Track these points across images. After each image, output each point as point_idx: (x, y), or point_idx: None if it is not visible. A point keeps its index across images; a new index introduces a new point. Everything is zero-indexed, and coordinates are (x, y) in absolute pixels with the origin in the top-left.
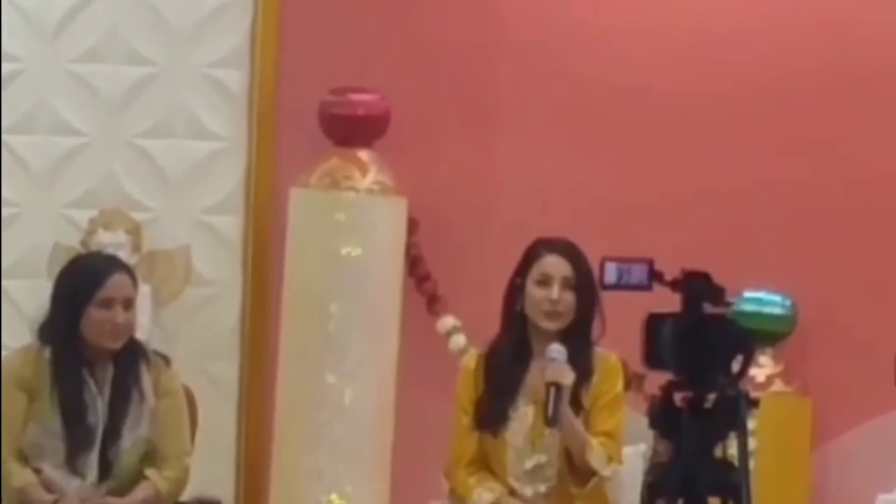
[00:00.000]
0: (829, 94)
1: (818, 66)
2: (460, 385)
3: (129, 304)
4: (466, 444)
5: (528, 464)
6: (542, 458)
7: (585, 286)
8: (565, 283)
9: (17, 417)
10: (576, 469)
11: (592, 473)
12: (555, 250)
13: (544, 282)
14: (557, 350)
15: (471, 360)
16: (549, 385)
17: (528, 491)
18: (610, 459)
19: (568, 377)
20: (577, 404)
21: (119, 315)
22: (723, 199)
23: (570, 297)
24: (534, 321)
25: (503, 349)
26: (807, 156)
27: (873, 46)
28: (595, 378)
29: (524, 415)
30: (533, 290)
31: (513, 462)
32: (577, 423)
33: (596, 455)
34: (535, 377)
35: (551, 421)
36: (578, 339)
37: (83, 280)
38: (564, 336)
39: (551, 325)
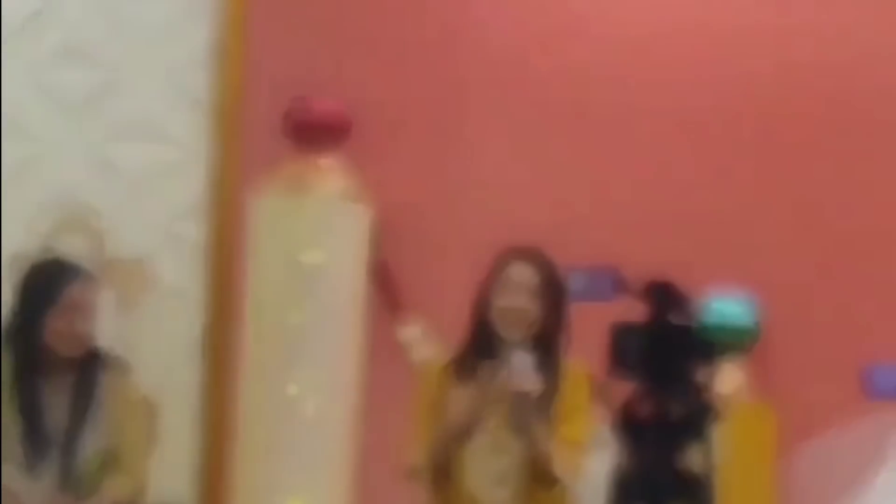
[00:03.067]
0: (800, 104)
1: (786, 79)
2: (423, 385)
3: (90, 311)
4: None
5: (492, 468)
6: (505, 461)
7: (552, 295)
8: (531, 292)
9: None
10: (540, 475)
11: (555, 480)
12: (522, 258)
13: (510, 290)
14: (522, 359)
15: (437, 361)
16: (515, 394)
17: (491, 494)
18: (573, 468)
19: (533, 385)
20: (543, 413)
21: (79, 323)
22: (689, 209)
23: (533, 306)
24: (498, 329)
25: (468, 358)
26: (774, 167)
27: (840, 58)
28: (561, 387)
29: (487, 420)
30: (499, 298)
31: (475, 466)
32: (542, 431)
33: (560, 463)
34: (500, 385)
35: (518, 429)
36: (545, 348)
37: (44, 286)
38: (531, 345)
39: (514, 334)
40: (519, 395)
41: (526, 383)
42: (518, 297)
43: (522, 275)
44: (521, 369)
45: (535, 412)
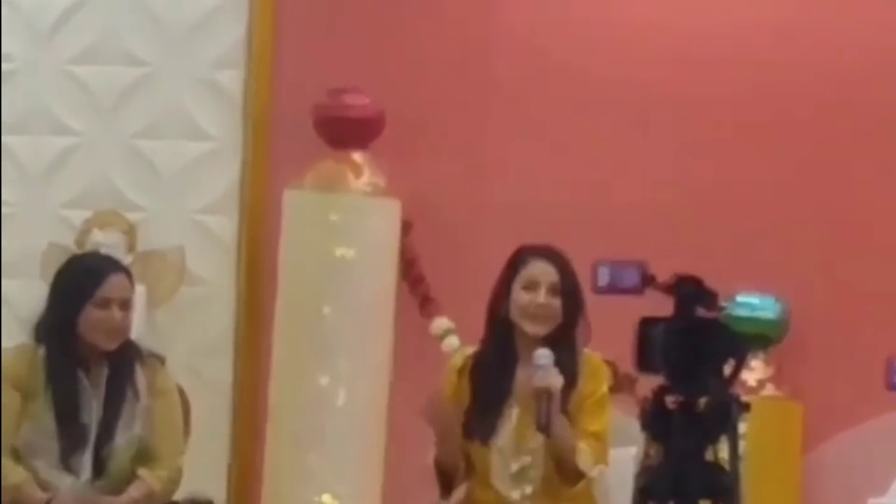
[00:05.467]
0: (823, 99)
1: (811, 71)
2: (444, 382)
3: (126, 304)
4: None
5: (514, 466)
6: (528, 460)
7: (571, 292)
8: (552, 289)
9: (12, 416)
10: (563, 471)
11: (580, 475)
12: (541, 256)
13: (531, 286)
14: (544, 355)
15: (458, 359)
16: (538, 391)
17: (514, 493)
18: (597, 461)
19: (557, 382)
20: (563, 407)
21: (116, 315)
22: (716, 203)
23: (556, 303)
24: (519, 325)
25: (489, 357)
26: (800, 160)
27: (865, 51)
28: (580, 379)
29: (508, 417)
30: (519, 295)
31: (497, 464)
32: (567, 428)
33: (584, 457)
34: (521, 383)
35: (543, 428)
36: (563, 344)
37: (81, 279)
38: (549, 341)
39: (536, 329)
40: (542, 392)
41: (549, 380)
42: (542, 294)
43: (542, 272)
44: (543, 366)
45: (558, 408)
